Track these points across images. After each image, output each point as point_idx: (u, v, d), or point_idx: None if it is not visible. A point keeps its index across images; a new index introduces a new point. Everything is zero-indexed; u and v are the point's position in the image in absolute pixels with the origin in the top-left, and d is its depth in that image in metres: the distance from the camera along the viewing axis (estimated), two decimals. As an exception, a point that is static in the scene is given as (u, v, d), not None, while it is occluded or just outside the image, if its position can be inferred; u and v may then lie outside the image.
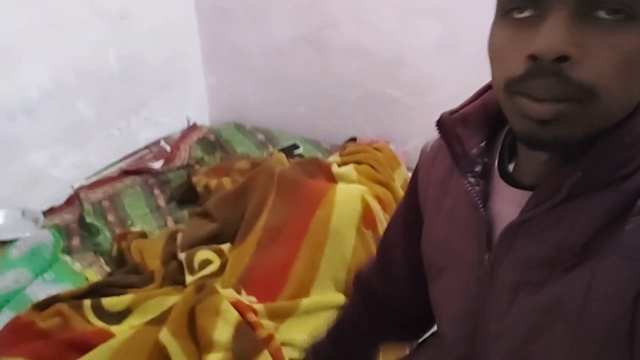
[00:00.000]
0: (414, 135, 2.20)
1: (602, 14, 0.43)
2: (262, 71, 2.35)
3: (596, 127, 0.47)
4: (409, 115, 2.16)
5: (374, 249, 1.44)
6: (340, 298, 1.38)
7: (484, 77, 1.88)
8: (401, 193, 1.73)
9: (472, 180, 0.59)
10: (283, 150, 2.21)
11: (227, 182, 1.89)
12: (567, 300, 0.50)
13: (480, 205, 0.58)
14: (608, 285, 0.48)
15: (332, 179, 1.73)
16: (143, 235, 1.74)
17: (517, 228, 0.54)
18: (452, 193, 0.64)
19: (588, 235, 0.49)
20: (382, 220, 1.56)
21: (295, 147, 2.26)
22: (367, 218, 1.53)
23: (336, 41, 2.14)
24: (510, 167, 0.60)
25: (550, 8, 0.45)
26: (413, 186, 0.75)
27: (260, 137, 2.36)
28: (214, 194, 1.82)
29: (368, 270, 0.90)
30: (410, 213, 0.75)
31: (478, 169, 0.59)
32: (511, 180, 0.57)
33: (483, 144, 0.61)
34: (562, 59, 0.44)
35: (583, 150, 0.48)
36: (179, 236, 1.64)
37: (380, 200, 1.62)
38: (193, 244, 1.59)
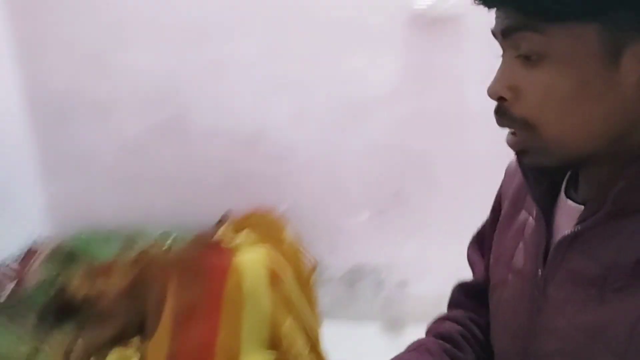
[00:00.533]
0: (281, 201, 2.31)
1: (529, 57, 0.51)
2: (115, 170, 2.25)
3: (566, 153, 0.52)
4: (274, 184, 2.26)
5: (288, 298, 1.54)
6: (270, 356, 1.43)
7: (335, 141, 2.09)
8: (292, 250, 1.81)
9: (538, 194, 0.61)
10: (155, 243, 2.11)
11: (113, 282, 1.74)
12: (614, 327, 0.49)
13: (542, 217, 0.60)
14: None
15: (228, 250, 1.73)
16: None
17: (569, 242, 0.55)
18: (524, 208, 0.66)
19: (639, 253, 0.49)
20: (287, 275, 1.62)
21: (167, 236, 2.18)
22: (273, 276, 1.60)
23: (194, 126, 2.19)
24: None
25: (504, 51, 0.55)
26: (496, 204, 0.78)
27: (122, 238, 2.22)
28: (100, 298, 1.67)
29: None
30: (493, 224, 0.77)
31: (546, 183, 0.61)
32: (572, 196, 0.60)
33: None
34: (501, 99, 0.54)
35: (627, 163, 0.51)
36: (79, 346, 1.46)
37: (280, 256, 1.69)
38: (99, 348, 1.44)
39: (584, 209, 0.54)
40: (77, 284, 1.77)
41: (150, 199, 2.30)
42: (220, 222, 2.10)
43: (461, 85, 2.12)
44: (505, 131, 0.59)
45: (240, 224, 1.92)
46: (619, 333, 0.49)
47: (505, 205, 0.72)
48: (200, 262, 1.61)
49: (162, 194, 2.29)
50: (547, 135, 0.52)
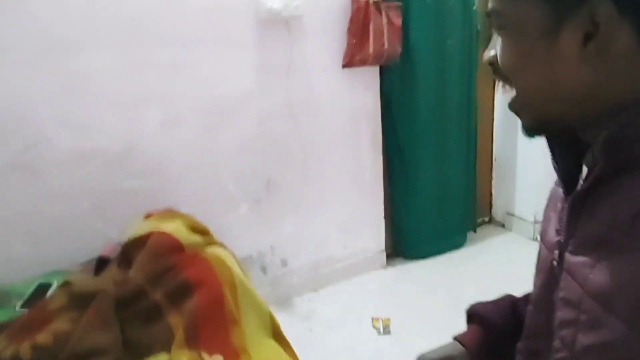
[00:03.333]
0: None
1: (498, 31, 0.59)
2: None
3: (538, 112, 0.59)
4: (152, 198, 2.17)
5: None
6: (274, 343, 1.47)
7: (207, 143, 2.16)
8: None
9: (560, 162, 0.64)
10: (30, 298, 1.83)
11: (55, 328, 1.46)
12: (617, 291, 0.49)
13: (564, 188, 0.62)
14: None
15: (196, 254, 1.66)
16: None
17: (580, 205, 0.57)
18: (557, 193, 0.68)
19: (635, 210, 0.50)
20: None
21: (45, 286, 1.91)
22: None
23: (52, 155, 1.92)
24: None
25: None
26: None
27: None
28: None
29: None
30: None
31: (571, 153, 0.63)
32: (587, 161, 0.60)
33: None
34: (492, 64, 0.61)
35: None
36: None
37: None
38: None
39: (587, 171, 0.57)
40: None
41: (5, 246, 1.95)
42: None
43: (309, 76, 2.38)
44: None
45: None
46: (624, 296, 0.49)
47: (548, 201, 0.73)
48: (177, 263, 1.52)
49: (18, 239, 1.96)
50: (518, 90, 0.59)
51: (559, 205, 0.64)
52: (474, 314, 0.83)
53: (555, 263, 0.61)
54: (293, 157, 2.44)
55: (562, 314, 0.57)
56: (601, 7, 0.50)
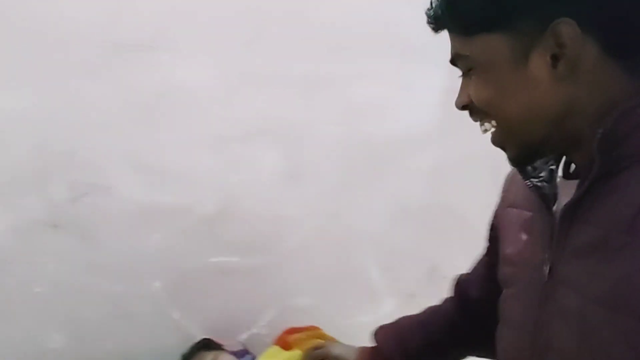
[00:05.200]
0: (267, 306, 1.50)
1: (467, 74, 0.62)
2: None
3: (524, 139, 0.60)
4: (255, 283, 1.45)
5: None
6: None
7: (343, 210, 1.30)
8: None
9: (535, 183, 0.64)
10: None
11: None
12: (624, 288, 0.49)
13: (544, 206, 0.63)
14: None
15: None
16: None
17: (572, 213, 0.57)
18: (524, 205, 0.69)
19: (634, 208, 0.50)
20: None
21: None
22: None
23: (111, 210, 1.28)
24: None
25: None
26: (491, 232, 0.85)
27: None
28: None
29: (466, 280, 0.96)
30: (490, 251, 0.85)
31: (543, 174, 0.65)
32: (570, 177, 0.63)
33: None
34: (465, 107, 0.63)
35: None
36: None
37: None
38: None
39: (580, 179, 0.57)
40: None
41: (39, 338, 1.33)
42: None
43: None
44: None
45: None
46: (633, 291, 0.48)
47: (505, 212, 0.75)
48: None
49: (53, 330, 1.34)
50: (499, 123, 0.60)
51: (535, 223, 0.65)
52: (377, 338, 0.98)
53: (544, 279, 0.59)
54: (473, 234, 1.56)
55: (560, 327, 0.56)
56: (564, 28, 0.53)
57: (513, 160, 0.63)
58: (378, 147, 1.43)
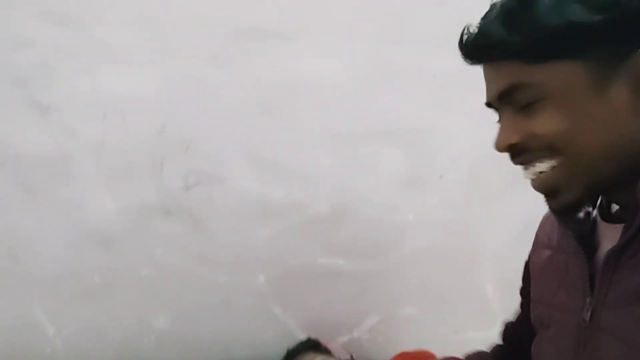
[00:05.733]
0: (371, 313, 1.42)
1: (528, 106, 0.54)
2: (59, 275, 1.25)
3: (591, 178, 0.53)
4: (358, 288, 1.37)
5: None
6: None
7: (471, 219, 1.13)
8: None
9: (572, 227, 0.60)
10: None
11: None
12: None
13: (581, 249, 0.59)
14: None
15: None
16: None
17: (617, 258, 0.54)
18: (559, 247, 0.66)
19: None
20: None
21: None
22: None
23: (224, 201, 1.23)
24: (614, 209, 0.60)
25: (501, 112, 0.57)
26: (526, 261, 0.78)
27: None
28: None
29: (511, 325, 0.88)
30: (526, 293, 0.76)
31: (581, 215, 0.61)
32: (611, 219, 0.58)
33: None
34: (512, 146, 0.55)
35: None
36: None
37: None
38: None
39: (625, 224, 0.54)
40: None
41: (142, 323, 1.34)
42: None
43: None
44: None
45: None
46: None
47: (539, 253, 0.70)
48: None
49: (160, 314, 1.34)
50: (572, 158, 0.53)
51: (571, 267, 0.61)
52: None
53: (584, 325, 0.56)
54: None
55: None
56: None
57: (566, 205, 0.56)
58: (513, 158, 1.27)
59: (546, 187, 0.56)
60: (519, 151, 0.56)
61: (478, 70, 1.26)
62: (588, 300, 0.57)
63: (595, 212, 0.62)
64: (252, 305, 1.37)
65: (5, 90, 1.14)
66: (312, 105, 1.19)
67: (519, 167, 0.56)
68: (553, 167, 0.54)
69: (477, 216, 1.32)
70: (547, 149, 0.54)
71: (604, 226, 0.59)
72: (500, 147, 0.56)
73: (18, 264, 1.20)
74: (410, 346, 1.35)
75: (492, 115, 1.22)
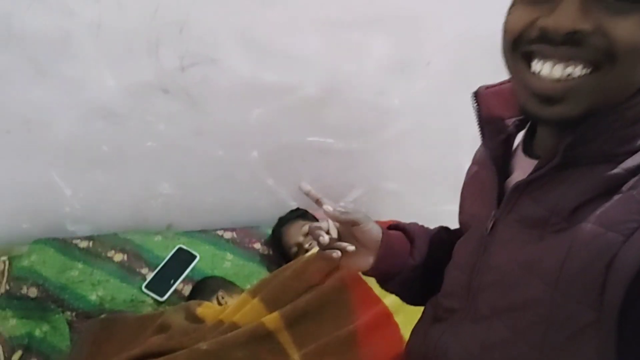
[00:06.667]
0: (355, 186, 1.55)
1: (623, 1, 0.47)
2: (71, 145, 1.36)
3: (601, 102, 0.50)
4: (344, 164, 1.48)
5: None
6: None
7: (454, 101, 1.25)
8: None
9: (491, 145, 0.63)
10: (161, 274, 1.41)
11: None
12: (548, 260, 0.53)
13: (493, 166, 0.63)
14: (585, 250, 0.50)
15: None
16: None
17: (522, 189, 0.58)
18: (484, 163, 0.69)
19: (578, 201, 0.52)
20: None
21: (187, 257, 1.45)
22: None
23: (219, 82, 1.29)
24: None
25: None
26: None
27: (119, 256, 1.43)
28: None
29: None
30: None
31: (501, 137, 0.64)
32: (529, 152, 0.62)
33: (513, 119, 0.64)
34: (573, 34, 0.47)
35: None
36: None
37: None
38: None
39: (538, 162, 0.57)
40: None
41: (148, 192, 1.48)
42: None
43: None
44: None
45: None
46: (551, 265, 0.52)
47: (470, 169, 0.75)
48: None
49: (162, 179, 1.47)
50: (614, 75, 0.49)
51: (487, 182, 0.65)
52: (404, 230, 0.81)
53: (486, 232, 0.63)
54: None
55: (487, 277, 0.61)
56: None
57: (562, 117, 0.51)
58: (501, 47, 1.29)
59: (560, 93, 0.50)
60: (574, 41, 0.48)
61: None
62: (493, 212, 0.63)
63: (519, 142, 0.64)
64: (246, 177, 1.49)
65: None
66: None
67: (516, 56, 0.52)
68: (582, 76, 0.49)
69: (461, 102, 1.37)
70: (606, 55, 0.48)
71: (521, 157, 0.63)
72: (559, 27, 0.48)
73: (33, 134, 1.30)
74: (391, 217, 1.49)
75: (481, 5, 1.23)
